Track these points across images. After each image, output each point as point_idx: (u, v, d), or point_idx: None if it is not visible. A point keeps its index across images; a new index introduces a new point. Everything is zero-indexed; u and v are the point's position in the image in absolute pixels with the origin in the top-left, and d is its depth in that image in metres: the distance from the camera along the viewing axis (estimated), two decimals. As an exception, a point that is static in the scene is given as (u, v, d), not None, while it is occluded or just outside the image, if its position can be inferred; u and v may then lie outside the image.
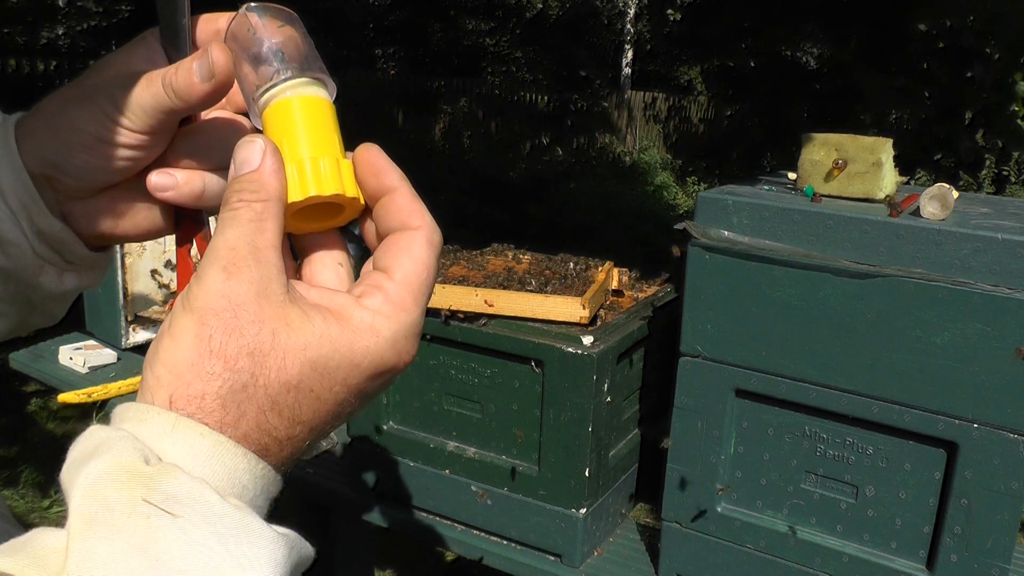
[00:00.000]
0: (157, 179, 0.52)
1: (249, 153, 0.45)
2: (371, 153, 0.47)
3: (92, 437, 0.38)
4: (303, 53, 0.49)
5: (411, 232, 0.45)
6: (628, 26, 14.46)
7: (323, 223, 0.49)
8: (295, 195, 0.45)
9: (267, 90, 0.48)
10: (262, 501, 0.40)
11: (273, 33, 0.49)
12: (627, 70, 14.77)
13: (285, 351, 0.39)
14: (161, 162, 0.54)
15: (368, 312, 0.42)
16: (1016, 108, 5.32)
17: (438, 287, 1.49)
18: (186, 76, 0.48)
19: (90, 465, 0.36)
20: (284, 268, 0.42)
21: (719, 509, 1.43)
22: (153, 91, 0.49)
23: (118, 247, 2.15)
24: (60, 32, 8.78)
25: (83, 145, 0.50)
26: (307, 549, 0.40)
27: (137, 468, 0.36)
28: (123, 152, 0.51)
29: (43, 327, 0.62)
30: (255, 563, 0.35)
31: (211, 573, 0.34)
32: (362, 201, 0.47)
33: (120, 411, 0.40)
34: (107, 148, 0.50)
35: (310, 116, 0.47)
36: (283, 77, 0.48)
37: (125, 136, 0.50)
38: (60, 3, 8.60)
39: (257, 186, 0.44)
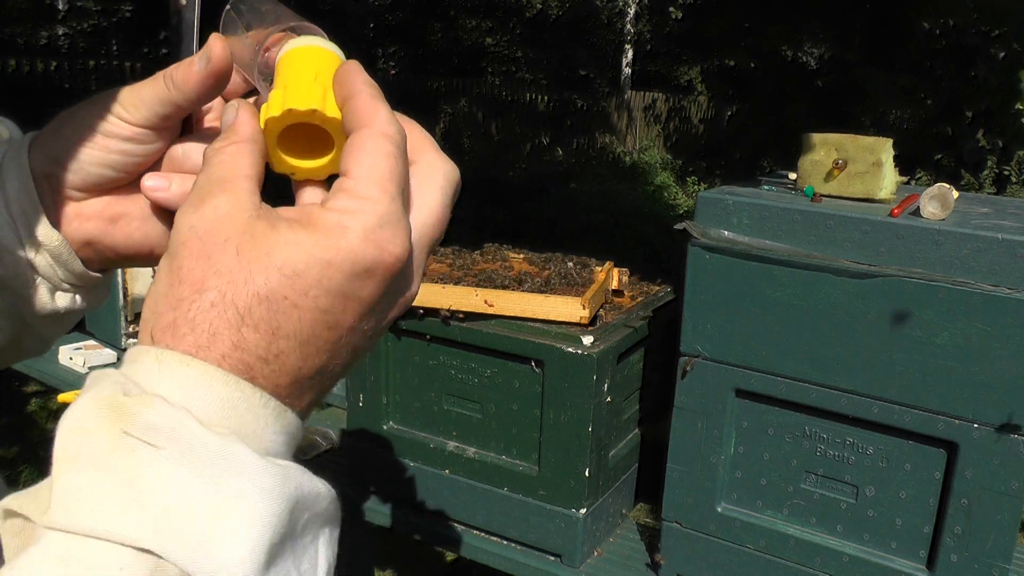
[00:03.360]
0: (151, 182, 0.52)
1: (228, 115, 0.46)
2: (345, 65, 0.46)
3: (88, 379, 0.39)
4: (292, 18, 0.50)
5: (363, 131, 0.43)
6: (628, 26, 14.46)
7: (320, 160, 0.47)
8: (273, 111, 0.44)
9: (268, 57, 0.49)
10: (271, 434, 0.39)
11: (260, 14, 0.50)
12: (627, 70, 14.76)
13: (250, 263, 0.38)
14: (156, 171, 0.54)
15: (334, 212, 0.40)
16: (1020, 107, 5.32)
17: (438, 287, 1.49)
18: (186, 67, 0.49)
19: (74, 403, 0.37)
20: (257, 192, 0.42)
21: (719, 509, 1.43)
22: (153, 84, 0.50)
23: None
24: (60, 32, 8.79)
25: (83, 139, 0.51)
26: (311, 484, 0.38)
27: (116, 400, 0.36)
28: (120, 145, 0.51)
29: (34, 355, 0.61)
30: (240, 493, 0.34)
31: (194, 504, 0.34)
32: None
33: (124, 357, 0.40)
34: (105, 140, 0.51)
35: (300, 60, 0.47)
36: (279, 41, 0.49)
37: (123, 128, 0.51)
38: (60, 5, 8.60)
39: (228, 133, 0.44)
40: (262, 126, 0.45)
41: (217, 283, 0.38)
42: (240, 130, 0.44)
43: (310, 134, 0.46)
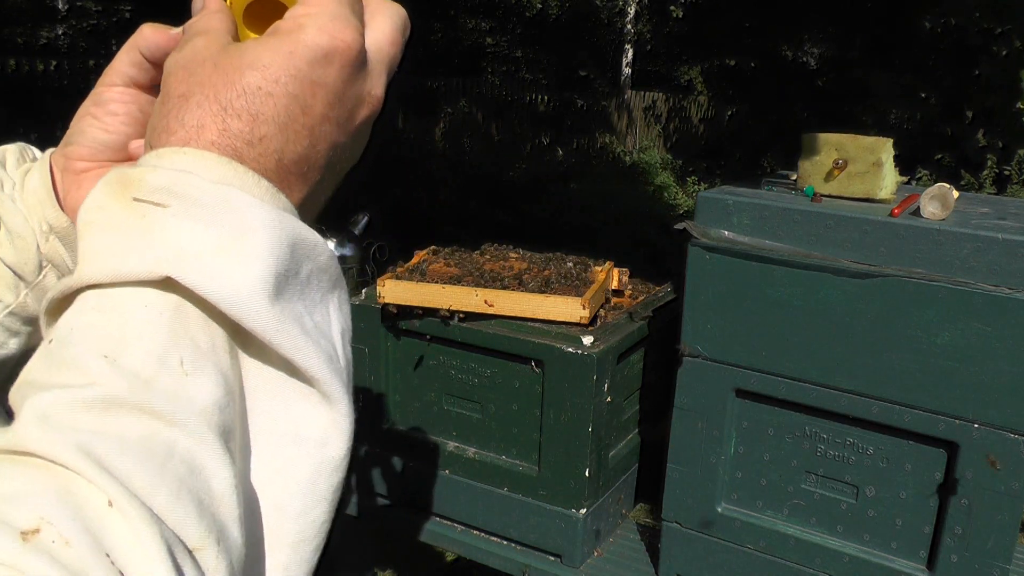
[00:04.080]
0: (136, 144, 0.60)
1: (196, 4, 0.51)
2: None
3: None
4: None
5: None
6: (628, 26, 14.45)
7: None
8: None
9: None
10: None
11: None
12: (627, 70, 14.76)
13: (226, 69, 0.43)
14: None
15: (290, 19, 0.45)
16: (1021, 106, 5.32)
17: (438, 287, 1.49)
18: (161, 29, 0.56)
19: (90, 191, 0.42)
20: (233, 33, 0.47)
21: (719, 509, 1.43)
22: (123, 48, 0.58)
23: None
24: (60, 32, 8.79)
25: (82, 115, 0.61)
26: (309, 232, 0.41)
27: (123, 174, 0.41)
28: (109, 107, 0.60)
29: None
30: (241, 227, 0.39)
31: (203, 244, 0.38)
32: None
33: None
34: (96, 109, 0.60)
35: None
36: None
37: (108, 92, 0.59)
38: (60, 5, 8.61)
39: (200, 13, 0.49)
40: (228, 5, 0.51)
41: (200, 89, 0.43)
42: (210, 6, 0.50)
43: (273, 16, 0.50)
